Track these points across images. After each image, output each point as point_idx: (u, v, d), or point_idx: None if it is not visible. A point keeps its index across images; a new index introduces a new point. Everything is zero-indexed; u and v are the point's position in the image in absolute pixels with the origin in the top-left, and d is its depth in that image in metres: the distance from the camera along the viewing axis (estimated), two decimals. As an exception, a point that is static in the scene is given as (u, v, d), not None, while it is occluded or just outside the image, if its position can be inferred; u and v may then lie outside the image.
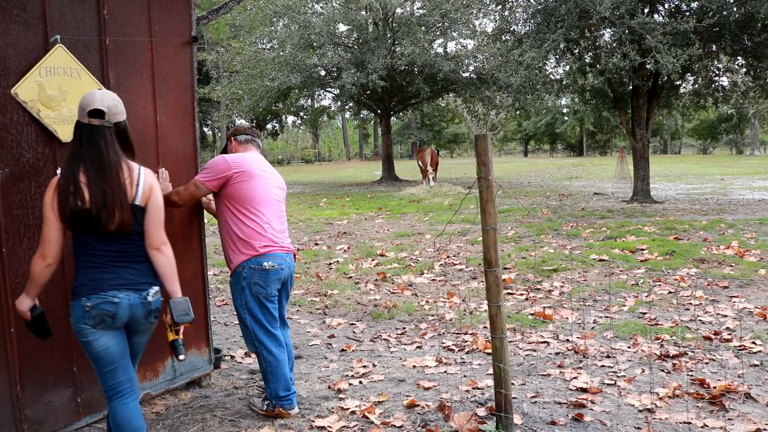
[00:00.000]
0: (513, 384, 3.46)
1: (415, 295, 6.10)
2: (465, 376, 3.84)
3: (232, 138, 3.48)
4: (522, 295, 5.89)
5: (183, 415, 3.35)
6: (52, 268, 2.41)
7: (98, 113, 2.37)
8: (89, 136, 2.36)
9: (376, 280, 6.73)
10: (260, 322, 3.23)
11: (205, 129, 47.44)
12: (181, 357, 2.56)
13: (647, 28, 10.92)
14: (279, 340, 3.28)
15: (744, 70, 13.28)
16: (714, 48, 12.41)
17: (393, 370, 4.04)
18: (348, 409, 3.37)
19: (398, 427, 3.13)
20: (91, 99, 2.38)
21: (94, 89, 2.53)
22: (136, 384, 2.53)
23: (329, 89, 25.47)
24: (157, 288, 2.48)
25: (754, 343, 4.24)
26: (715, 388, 3.44)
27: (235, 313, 3.98)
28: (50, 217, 2.33)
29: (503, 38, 14.94)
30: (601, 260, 7.12)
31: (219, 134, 44.36)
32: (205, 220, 3.78)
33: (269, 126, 51.95)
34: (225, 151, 3.49)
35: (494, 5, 16.05)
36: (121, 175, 2.37)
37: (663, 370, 3.84)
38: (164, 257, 2.47)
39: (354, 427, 3.16)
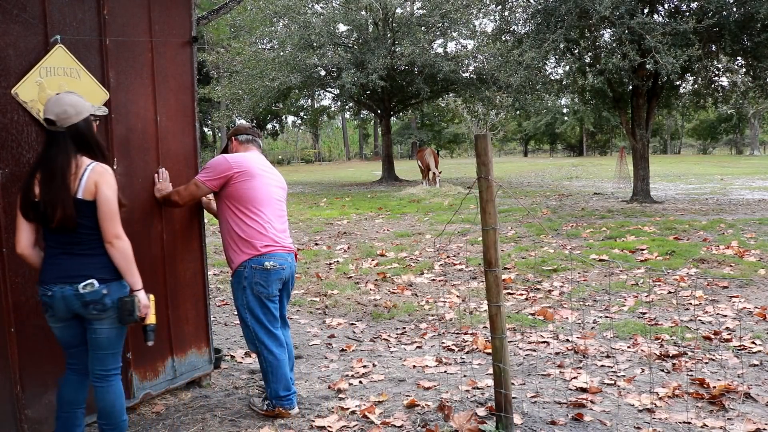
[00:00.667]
0: (513, 384, 3.46)
1: (415, 295, 6.11)
2: (465, 376, 3.84)
3: (233, 138, 3.48)
4: (522, 295, 5.89)
5: (183, 415, 3.36)
6: (25, 257, 2.54)
7: (49, 121, 2.48)
8: (47, 141, 2.51)
9: (376, 280, 6.74)
10: (261, 322, 3.24)
11: (205, 129, 47.46)
12: (150, 343, 2.64)
13: (647, 28, 10.91)
14: (280, 340, 3.29)
15: (744, 70, 13.27)
16: (714, 48, 12.41)
17: (393, 370, 4.05)
18: (348, 408, 3.37)
19: (398, 427, 3.14)
20: (45, 107, 2.50)
21: (65, 93, 2.56)
22: (87, 369, 2.65)
23: (329, 89, 25.47)
24: (92, 280, 2.48)
25: (753, 343, 4.24)
26: (714, 387, 3.44)
27: (235, 312, 3.99)
28: (18, 209, 2.52)
29: (503, 38, 14.94)
30: (601, 260, 7.13)
31: (219, 134, 44.34)
32: (206, 220, 3.78)
33: (269, 126, 51.98)
34: (226, 150, 3.50)
35: (494, 5, 16.05)
36: (68, 174, 2.45)
37: (663, 370, 3.84)
38: (116, 251, 2.51)
39: (354, 426, 3.17)
